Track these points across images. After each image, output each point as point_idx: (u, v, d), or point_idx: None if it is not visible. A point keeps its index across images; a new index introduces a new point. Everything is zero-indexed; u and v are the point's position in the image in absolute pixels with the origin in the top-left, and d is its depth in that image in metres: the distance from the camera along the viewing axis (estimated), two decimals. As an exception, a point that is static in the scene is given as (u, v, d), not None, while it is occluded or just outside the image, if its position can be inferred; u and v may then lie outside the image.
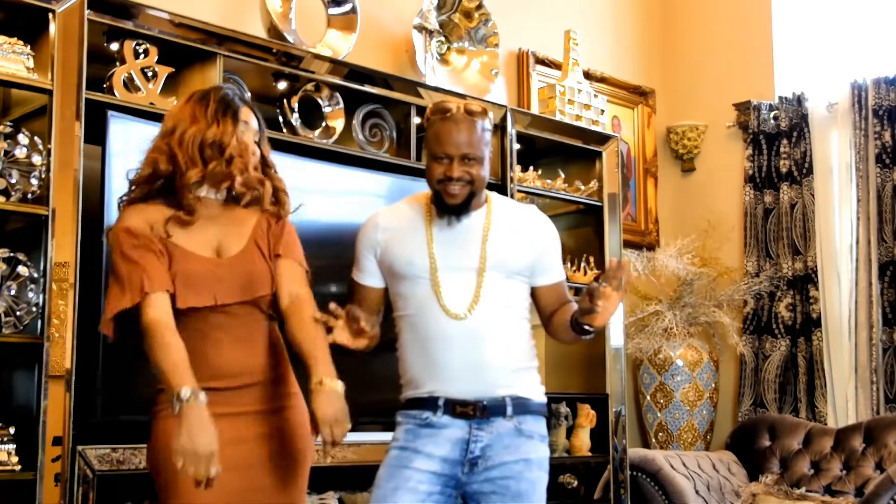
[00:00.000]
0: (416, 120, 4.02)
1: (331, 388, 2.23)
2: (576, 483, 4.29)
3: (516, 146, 4.35)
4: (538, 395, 2.65)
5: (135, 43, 3.29)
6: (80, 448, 2.90)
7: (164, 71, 3.34)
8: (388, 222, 2.68)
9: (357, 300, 2.68)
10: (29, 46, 3.06)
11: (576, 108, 4.77)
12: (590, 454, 4.45)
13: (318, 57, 3.77)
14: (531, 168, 4.52)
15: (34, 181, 3.00)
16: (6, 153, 2.97)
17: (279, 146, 3.52)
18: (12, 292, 2.94)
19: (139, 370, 2.72)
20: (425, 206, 2.65)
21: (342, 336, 2.35)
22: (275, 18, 3.79)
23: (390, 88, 3.96)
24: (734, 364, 5.27)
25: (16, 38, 3.03)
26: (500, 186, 4.19)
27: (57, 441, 2.85)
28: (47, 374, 2.86)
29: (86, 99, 3.02)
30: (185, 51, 3.37)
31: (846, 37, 5.29)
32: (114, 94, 3.22)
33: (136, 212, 2.34)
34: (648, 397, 5.06)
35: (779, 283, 5.14)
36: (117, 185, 3.05)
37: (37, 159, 3.00)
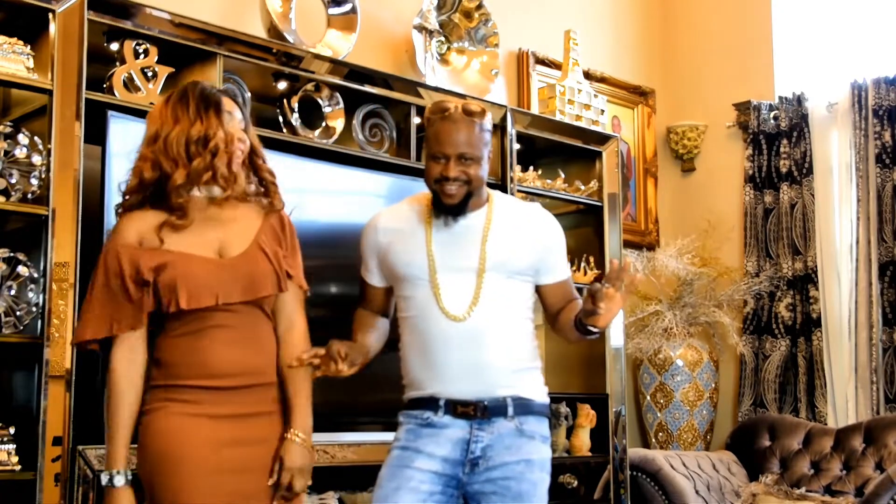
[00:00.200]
0: (416, 120, 4.02)
1: (304, 443, 2.35)
2: (576, 483, 4.29)
3: (516, 146, 4.35)
4: (540, 395, 2.64)
5: (135, 43, 3.29)
6: (80, 448, 2.90)
7: (164, 71, 3.34)
8: (388, 224, 2.68)
9: (366, 298, 2.74)
10: (29, 46, 3.06)
11: (576, 108, 4.76)
12: (590, 454, 4.45)
13: (318, 57, 3.77)
14: (531, 168, 4.52)
15: (34, 181, 3.00)
16: (6, 153, 2.97)
17: (279, 146, 3.53)
18: (12, 292, 2.94)
19: (147, 379, 2.73)
20: (425, 207, 2.65)
21: (327, 371, 2.40)
22: (275, 18, 3.79)
23: (390, 88, 3.96)
24: (734, 364, 5.27)
25: (16, 38, 3.03)
26: (500, 186, 4.18)
27: (57, 441, 2.85)
28: (47, 374, 2.86)
29: (86, 99, 3.02)
30: (185, 51, 3.37)
31: (846, 37, 5.29)
32: (114, 94, 3.22)
33: (129, 222, 2.33)
34: (648, 397, 5.06)
35: (779, 283, 5.14)
36: (117, 185, 3.06)
37: (37, 159, 3.00)
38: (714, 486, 4.59)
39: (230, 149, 2.32)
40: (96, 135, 3.07)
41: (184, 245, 2.30)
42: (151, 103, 3.26)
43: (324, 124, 3.84)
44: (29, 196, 3.00)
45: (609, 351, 4.55)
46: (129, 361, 2.29)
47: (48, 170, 2.97)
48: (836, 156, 5.08)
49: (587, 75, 5.11)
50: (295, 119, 3.73)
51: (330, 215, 3.74)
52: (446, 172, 2.54)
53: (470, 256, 2.57)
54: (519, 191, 4.32)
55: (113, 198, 3.04)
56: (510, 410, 2.55)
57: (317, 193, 3.68)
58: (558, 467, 4.21)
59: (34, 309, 2.96)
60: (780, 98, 5.26)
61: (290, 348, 2.40)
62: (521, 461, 2.55)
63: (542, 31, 5.07)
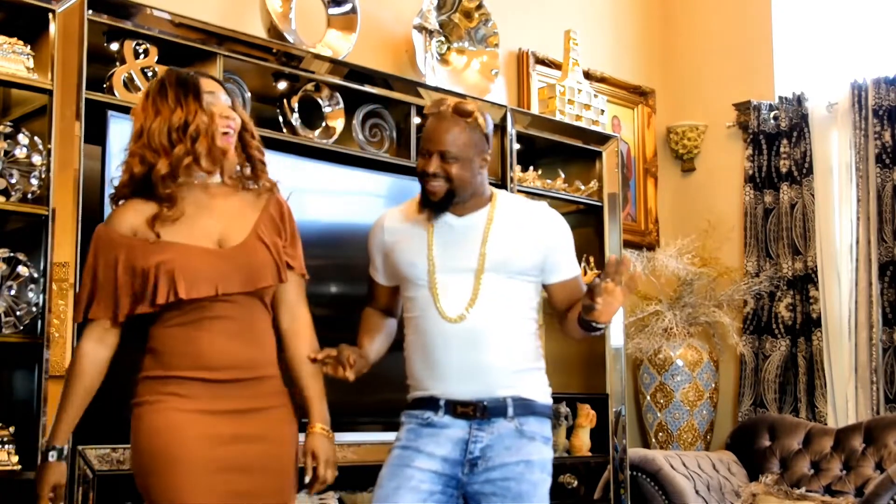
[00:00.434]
0: (416, 120, 4.02)
1: (328, 434, 2.39)
2: (576, 483, 4.29)
3: (516, 146, 4.35)
4: (542, 396, 2.63)
5: (135, 43, 3.29)
6: (80, 448, 2.90)
7: (164, 71, 3.33)
8: (394, 224, 2.68)
9: (373, 297, 2.75)
10: (29, 46, 3.06)
11: (576, 108, 4.76)
12: (590, 454, 4.45)
13: (318, 57, 3.77)
14: (531, 168, 4.52)
15: (34, 181, 3.00)
16: (6, 153, 2.97)
17: (279, 146, 3.53)
18: (12, 292, 2.94)
19: (139, 370, 2.72)
20: (421, 203, 2.64)
21: (334, 373, 2.43)
22: (275, 18, 3.79)
23: (390, 88, 3.96)
24: (734, 364, 5.27)
25: (16, 38, 3.03)
26: (500, 187, 4.18)
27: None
28: (47, 374, 2.86)
29: (86, 99, 3.02)
30: (185, 51, 3.37)
31: (846, 37, 5.28)
32: (114, 94, 3.22)
33: (123, 213, 2.32)
34: (648, 397, 5.06)
35: (779, 283, 5.14)
36: (110, 182, 3.07)
37: (37, 159, 3.00)
38: (714, 486, 4.59)
39: (211, 129, 2.30)
40: (96, 135, 3.07)
41: (181, 235, 2.28)
42: (151, 103, 3.26)
43: (324, 124, 3.84)
44: (29, 196, 3.00)
45: (609, 351, 4.55)
46: (95, 347, 2.30)
47: (48, 170, 2.98)
48: (836, 156, 5.08)
49: (587, 75, 5.11)
50: (295, 119, 3.73)
51: (330, 215, 3.74)
52: (427, 167, 2.54)
53: (469, 257, 2.56)
54: (519, 191, 4.32)
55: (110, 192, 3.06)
56: (510, 411, 2.54)
57: (317, 193, 3.68)
58: (558, 467, 4.20)
59: (34, 309, 2.96)
60: (780, 98, 5.26)
61: (298, 340, 2.40)
62: (521, 462, 2.54)
63: (542, 31, 5.06)
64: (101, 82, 3.23)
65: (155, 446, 2.21)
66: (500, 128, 4.26)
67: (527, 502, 2.53)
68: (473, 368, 2.53)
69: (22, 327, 2.95)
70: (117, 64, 3.28)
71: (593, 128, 4.75)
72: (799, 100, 5.19)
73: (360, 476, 3.51)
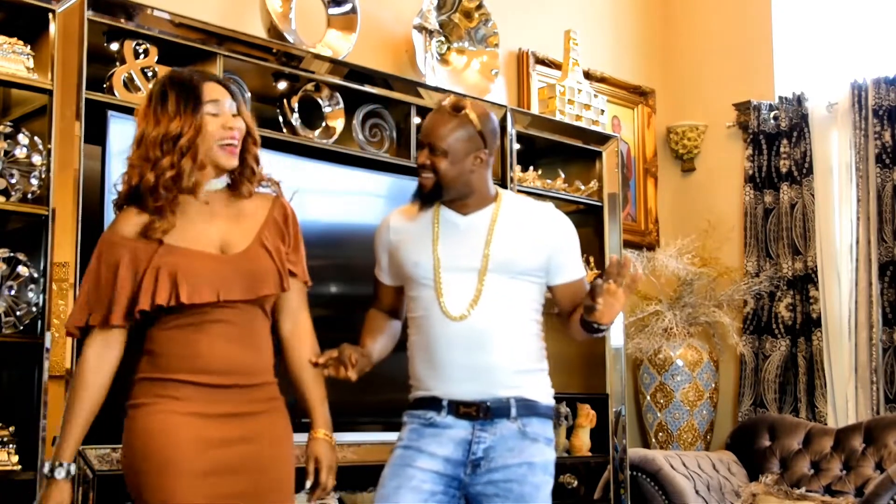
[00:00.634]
0: (416, 120, 4.02)
1: (331, 441, 2.39)
2: (576, 483, 4.29)
3: (516, 146, 4.35)
4: (545, 397, 2.62)
5: (135, 43, 3.29)
6: (80, 448, 2.89)
7: (164, 71, 3.33)
8: (399, 223, 2.68)
9: (378, 297, 2.75)
10: (29, 46, 3.06)
11: (576, 108, 4.76)
12: (590, 454, 4.45)
13: (318, 57, 3.77)
14: (531, 168, 4.52)
15: (34, 181, 3.00)
16: (6, 153, 2.97)
17: (279, 146, 3.53)
18: (12, 292, 2.94)
19: (135, 371, 2.72)
20: (436, 206, 2.63)
21: (335, 374, 2.43)
22: (275, 18, 3.79)
23: (390, 88, 3.96)
24: (734, 364, 5.27)
25: (16, 38, 3.04)
26: (500, 186, 4.18)
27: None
28: (47, 374, 2.86)
29: (86, 99, 3.02)
30: (185, 51, 3.37)
31: (846, 37, 5.29)
32: (114, 94, 3.22)
33: (128, 217, 2.29)
34: (648, 397, 5.06)
35: (779, 283, 5.14)
36: (112, 185, 3.06)
37: (37, 159, 3.00)
38: (714, 486, 4.59)
39: (205, 146, 2.26)
40: (96, 135, 3.07)
41: (185, 240, 2.26)
42: (151, 103, 3.26)
43: (324, 124, 3.84)
44: (29, 196, 3.00)
45: (609, 351, 4.55)
46: (99, 356, 2.26)
47: (48, 170, 2.98)
48: (836, 156, 5.08)
49: (587, 75, 5.11)
50: (295, 119, 3.73)
51: (330, 215, 3.74)
52: (418, 158, 2.59)
53: (473, 256, 2.56)
54: (519, 191, 4.32)
55: (113, 198, 3.05)
56: (513, 412, 2.53)
57: (317, 193, 3.68)
58: (558, 467, 4.16)
59: (34, 309, 2.96)
60: (780, 98, 5.26)
61: (299, 345, 2.40)
62: (524, 463, 2.53)
63: (542, 31, 5.06)
64: (101, 82, 3.23)
65: (148, 448, 2.20)
66: (500, 128, 4.25)
67: (528, 504, 2.53)
68: (476, 368, 2.52)
69: (22, 327, 2.95)
70: (117, 64, 3.28)
71: (593, 128, 4.75)
72: (799, 100, 5.19)
73: (360, 476, 3.51)
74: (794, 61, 5.41)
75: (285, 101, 3.72)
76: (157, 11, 3.27)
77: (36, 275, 2.96)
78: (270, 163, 2.49)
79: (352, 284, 3.69)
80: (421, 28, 4.32)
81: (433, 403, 2.55)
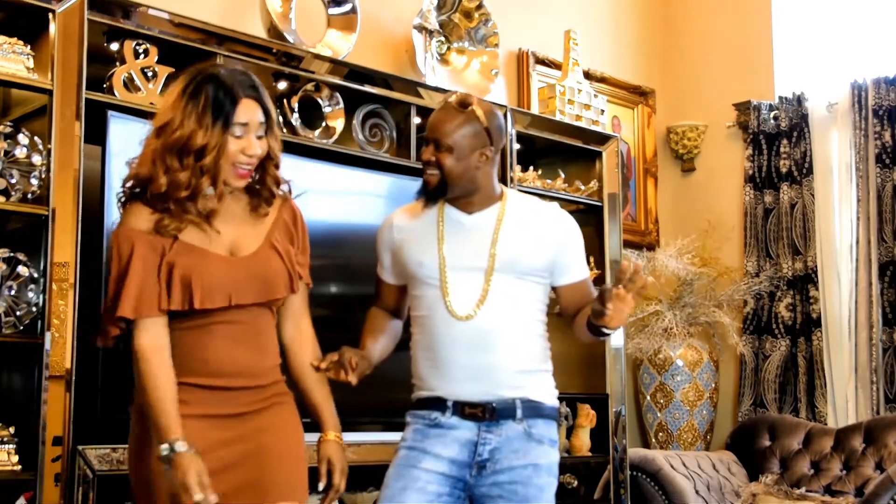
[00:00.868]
0: (416, 120, 4.02)
1: (341, 443, 2.38)
2: (576, 483, 4.29)
3: (516, 146, 4.35)
4: (550, 398, 2.62)
5: (135, 43, 3.29)
6: (80, 448, 2.90)
7: (164, 71, 3.34)
8: (403, 222, 2.66)
9: (380, 296, 2.73)
10: (29, 46, 3.06)
11: (576, 108, 4.76)
12: (590, 454, 4.45)
13: (318, 57, 3.77)
14: (531, 168, 4.52)
15: (34, 181, 3.00)
16: (6, 153, 2.97)
17: (279, 146, 3.53)
18: (12, 292, 2.94)
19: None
20: (440, 205, 2.62)
21: (336, 376, 2.42)
22: (275, 18, 3.79)
23: (390, 88, 3.96)
24: (734, 364, 5.27)
25: (16, 38, 3.03)
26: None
27: (57, 441, 2.85)
28: (47, 375, 2.86)
29: (86, 99, 3.02)
30: (185, 51, 3.37)
31: (846, 37, 5.29)
32: (114, 94, 3.22)
33: (137, 211, 2.23)
34: (648, 397, 5.06)
35: (779, 283, 5.14)
36: (117, 185, 3.03)
37: (37, 159, 3.00)
38: (714, 486, 4.59)
39: (224, 171, 2.21)
40: (96, 135, 3.07)
41: (198, 239, 2.23)
42: (151, 103, 3.26)
43: (324, 124, 3.84)
44: (29, 196, 3.00)
45: (609, 351, 4.55)
46: (157, 344, 2.19)
47: (48, 170, 2.97)
48: (836, 156, 5.08)
49: (587, 75, 5.11)
50: (295, 119, 3.73)
51: (330, 215, 3.73)
52: (423, 155, 2.56)
53: (479, 256, 2.54)
54: (519, 190, 4.31)
55: (113, 198, 3.04)
56: (519, 413, 2.52)
57: (317, 193, 3.67)
58: (558, 467, 4.21)
59: (34, 309, 2.96)
60: (780, 98, 5.26)
61: (301, 350, 2.39)
62: (529, 465, 2.52)
63: (542, 31, 5.06)
64: (101, 82, 3.23)
65: (152, 450, 2.17)
66: (501, 128, 4.25)
67: (532, 506, 2.51)
68: (480, 369, 2.51)
69: (22, 327, 2.95)
70: (117, 64, 3.28)
71: (593, 128, 4.75)
72: (799, 100, 5.19)
73: (360, 476, 3.51)
74: (794, 61, 5.41)
75: (285, 101, 3.72)
76: (156, 11, 3.28)
77: (36, 275, 2.96)
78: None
79: (351, 285, 3.69)
80: (421, 28, 4.32)
81: (438, 404, 2.54)
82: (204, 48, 3.38)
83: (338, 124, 3.85)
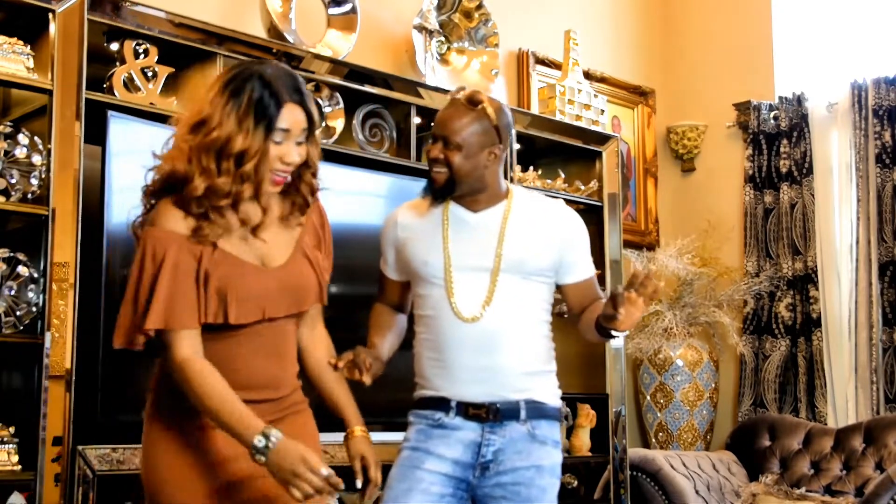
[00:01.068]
0: (416, 120, 4.02)
1: (369, 437, 2.32)
2: (576, 483, 4.29)
3: (516, 146, 4.35)
4: (553, 399, 2.60)
5: (135, 43, 3.29)
6: (80, 448, 2.90)
7: (164, 71, 3.34)
8: (407, 220, 2.62)
9: (384, 292, 2.70)
10: (29, 46, 3.06)
11: (576, 108, 4.77)
12: (590, 454, 4.46)
13: (318, 57, 3.77)
14: (531, 168, 4.52)
15: (34, 181, 3.00)
16: (6, 153, 2.97)
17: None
18: (12, 292, 2.94)
19: (139, 370, 2.72)
20: (445, 203, 2.58)
21: (350, 376, 2.38)
22: (275, 18, 3.79)
23: (390, 88, 3.96)
24: (734, 364, 5.27)
25: (16, 38, 3.04)
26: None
27: (57, 441, 2.85)
28: (47, 374, 2.86)
29: (86, 99, 3.02)
30: (185, 51, 3.37)
31: (846, 37, 5.29)
32: (114, 94, 3.22)
33: (170, 211, 2.09)
34: (648, 397, 5.06)
35: (779, 283, 5.14)
36: (117, 185, 3.07)
37: (37, 159, 3.00)
38: (714, 486, 4.59)
39: (259, 175, 2.08)
40: (96, 135, 3.07)
41: (233, 246, 2.12)
42: (151, 103, 3.27)
43: (324, 124, 3.83)
44: (29, 196, 3.00)
45: (609, 351, 4.55)
46: (197, 354, 2.07)
47: (48, 170, 2.98)
48: (836, 156, 5.08)
49: (587, 75, 5.11)
50: (295, 119, 3.72)
51: (330, 215, 3.71)
52: (430, 152, 2.52)
53: (485, 256, 2.52)
54: (519, 190, 4.32)
55: (113, 198, 3.06)
56: (523, 414, 2.51)
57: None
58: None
59: (34, 309, 2.96)
60: (780, 98, 5.26)
61: (317, 349, 2.34)
62: (532, 466, 2.52)
63: (542, 31, 5.06)
64: (101, 82, 3.23)
65: (169, 462, 2.12)
66: (500, 128, 4.26)
67: (535, 506, 2.50)
68: (487, 370, 2.49)
69: (22, 327, 2.95)
70: (117, 64, 3.28)
71: (593, 128, 4.75)
72: (799, 100, 5.19)
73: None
74: (794, 61, 5.41)
75: (285, 101, 3.72)
76: (156, 11, 3.27)
77: (36, 275, 2.96)
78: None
79: (352, 284, 3.69)
80: (421, 28, 4.32)
81: (441, 404, 2.52)
82: (204, 48, 3.38)
83: (338, 124, 3.85)
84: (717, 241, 5.24)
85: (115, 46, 3.28)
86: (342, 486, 2.00)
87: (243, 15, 3.90)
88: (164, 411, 2.16)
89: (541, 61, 5.08)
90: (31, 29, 3.07)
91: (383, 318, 2.69)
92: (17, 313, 2.94)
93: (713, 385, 5.07)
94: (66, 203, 2.96)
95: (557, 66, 5.01)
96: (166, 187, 2.10)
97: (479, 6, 4.58)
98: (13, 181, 2.97)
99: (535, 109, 4.84)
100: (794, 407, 5.06)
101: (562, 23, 5.00)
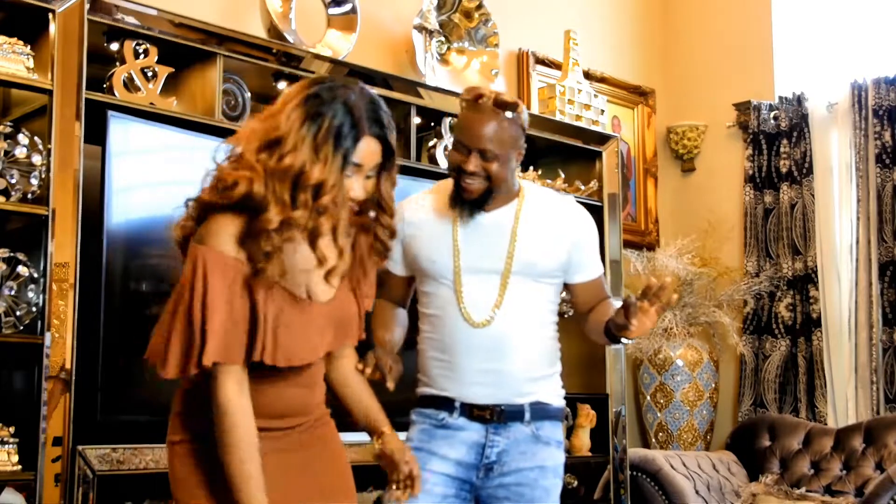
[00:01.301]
0: (416, 120, 4.02)
1: (398, 436, 2.28)
2: (576, 483, 4.28)
3: (516, 146, 4.35)
4: (557, 399, 2.59)
5: (135, 43, 3.29)
6: (80, 448, 2.90)
7: (164, 71, 3.34)
8: (413, 216, 2.58)
9: (387, 287, 2.65)
10: (29, 46, 3.06)
11: (576, 108, 4.77)
12: (590, 454, 4.45)
13: (318, 57, 3.76)
14: (531, 168, 4.52)
15: (34, 181, 3.00)
16: (6, 153, 2.97)
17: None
18: (12, 292, 2.94)
19: (139, 370, 2.72)
20: (453, 199, 2.52)
21: (373, 377, 2.34)
22: (275, 18, 3.79)
23: (390, 88, 3.96)
24: (734, 364, 5.27)
25: (16, 38, 3.03)
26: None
27: (57, 441, 2.85)
28: (47, 375, 2.86)
29: (86, 99, 3.01)
30: (185, 51, 3.37)
31: (846, 37, 5.29)
32: (114, 94, 3.22)
33: (225, 231, 1.92)
34: (648, 397, 5.06)
35: (779, 283, 5.14)
36: (117, 185, 3.07)
37: (37, 159, 3.00)
38: (714, 486, 4.59)
39: (336, 213, 1.94)
40: (96, 135, 3.07)
41: (284, 277, 1.96)
42: (151, 103, 3.27)
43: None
44: (29, 196, 3.00)
45: (609, 351, 4.54)
46: (245, 398, 1.93)
47: (48, 170, 2.97)
48: (836, 156, 5.08)
49: (587, 75, 5.11)
50: (295, 119, 3.72)
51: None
52: (465, 166, 2.42)
53: (496, 257, 2.49)
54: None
55: (113, 198, 3.06)
56: (527, 415, 2.50)
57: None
58: (558, 467, 4.21)
59: (34, 309, 2.96)
60: (780, 98, 5.26)
61: (340, 355, 2.25)
62: (536, 467, 2.51)
63: (542, 31, 5.07)
64: (101, 82, 3.23)
65: (196, 494, 2.02)
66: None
67: (538, 507, 2.49)
68: (494, 374, 2.48)
69: (22, 327, 2.95)
70: (117, 64, 3.28)
71: (593, 128, 4.75)
72: (799, 100, 5.19)
73: (360, 476, 3.50)
74: (794, 61, 5.41)
75: (285, 101, 3.72)
76: (157, 11, 3.27)
77: (36, 275, 2.96)
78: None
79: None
80: (421, 28, 4.32)
81: (445, 404, 2.51)
82: (204, 48, 3.38)
83: (338, 124, 3.84)
84: (717, 241, 5.24)
85: (115, 46, 3.28)
86: None
87: (243, 15, 3.90)
88: (204, 439, 2.01)
89: (541, 61, 5.08)
90: (31, 29, 3.07)
91: (388, 315, 2.66)
92: (17, 313, 2.94)
93: (713, 385, 5.07)
94: (66, 203, 2.95)
95: (557, 66, 5.01)
96: (234, 205, 1.92)
97: (479, 6, 4.58)
98: (13, 181, 2.97)
99: (535, 109, 4.84)
100: (794, 407, 5.06)
101: (562, 23, 5.00)
